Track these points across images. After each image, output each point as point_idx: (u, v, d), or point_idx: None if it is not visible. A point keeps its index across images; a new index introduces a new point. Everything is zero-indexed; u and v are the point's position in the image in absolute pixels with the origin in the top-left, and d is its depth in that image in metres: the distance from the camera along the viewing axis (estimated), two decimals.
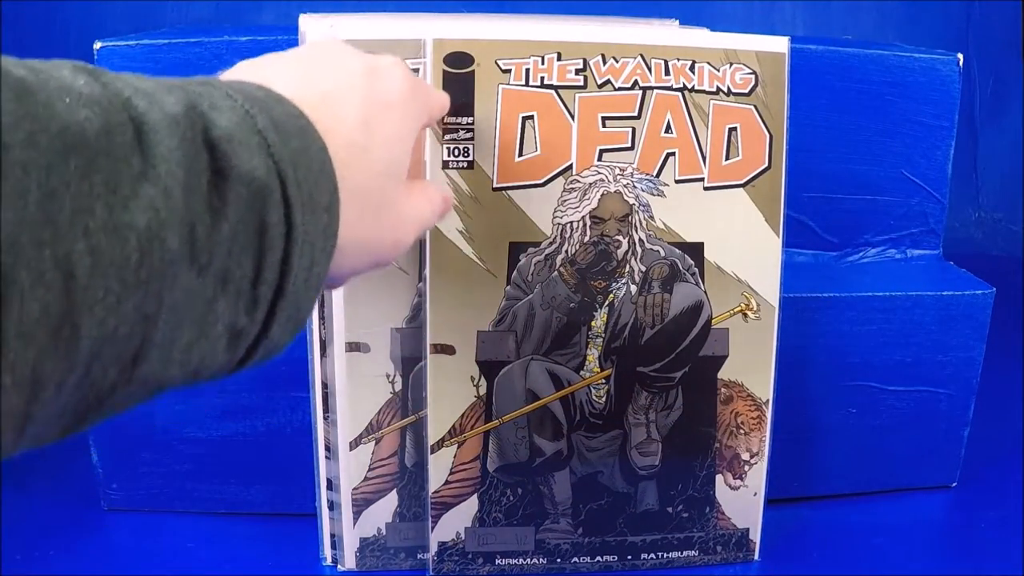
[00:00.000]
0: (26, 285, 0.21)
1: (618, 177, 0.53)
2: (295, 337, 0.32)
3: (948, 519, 0.69)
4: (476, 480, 0.57)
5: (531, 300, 0.55)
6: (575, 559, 0.59)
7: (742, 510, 0.60)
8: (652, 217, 0.54)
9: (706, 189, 0.55)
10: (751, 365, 0.58)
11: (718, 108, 0.54)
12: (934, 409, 0.68)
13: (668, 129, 0.53)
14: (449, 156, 0.51)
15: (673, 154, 0.54)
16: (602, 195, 0.54)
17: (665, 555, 0.60)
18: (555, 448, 0.57)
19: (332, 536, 0.59)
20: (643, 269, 0.55)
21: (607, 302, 0.55)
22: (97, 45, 0.59)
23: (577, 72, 0.52)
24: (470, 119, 0.51)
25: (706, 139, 0.54)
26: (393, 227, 0.38)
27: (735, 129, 0.54)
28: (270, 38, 0.60)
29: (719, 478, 0.59)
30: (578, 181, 0.53)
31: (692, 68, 0.53)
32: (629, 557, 0.60)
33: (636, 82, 0.53)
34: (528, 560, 0.59)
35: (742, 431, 0.59)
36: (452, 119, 0.51)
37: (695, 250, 0.56)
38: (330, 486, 0.58)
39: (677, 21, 0.63)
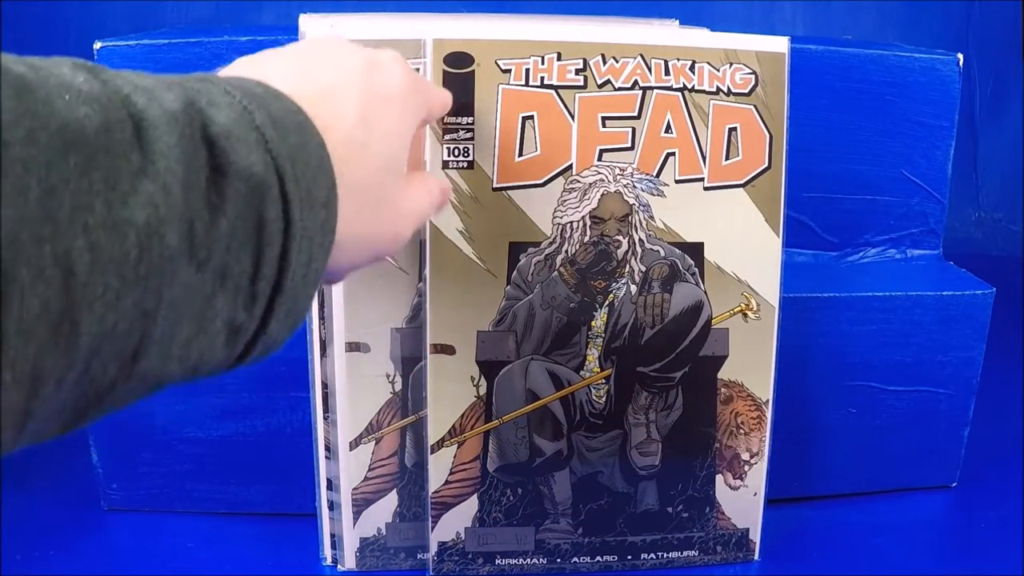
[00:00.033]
0: (26, 282, 0.21)
1: (618, 177, 0.54)
2: (293, 333, 0.32)
3: (948, 519, 0.69)
4: (476, 480, 0.57)
5: (531, 300, 0.55)
6: (575, 559, 0.59)
7: (742, 510, 0.60)
8: (652, 217, 0.55)
9: (706, 189, 0.55)
10: (751, 365, 0.58)
11: (718, 108, 0.54)
12: (934, 409, 0.68)
13: (668, 129, 0.53)
14: (449, 156, 0.51)
15: (673, 154, 0.54)
16: (602, 195, 0.54)
17: (665, 555, 0.60)
18: (555, 448, 0.57)
19: (332, 536, 0.59)
20: (643, 269, 0.55)
21: (607, 302, 0.55)
22: (97, 45, 0.59)
23: (577, 72, 0.52)
24: (470, 119, 0.51)
25: (706, 139, 0.54)
26: (392, 221, 0.38)
27: (735, 129, 0.54)
28: (270, 38, 0.60)
29: (719, 478, 0.59)
30: (578, 181, 0.53)
31: (692, 68, 0.53)
32: (629, 557, 0.60)
33: (636, 82, 0.53)
34: (528, 560, 0.59)
35: (742, 431, 0.59)
36: (452, 119, 0.51)
37: (695, 250, 0.56)
38: (330, 486, 0.58)
39: (677, 21, 0.63)
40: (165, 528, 0.64)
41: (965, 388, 0.68)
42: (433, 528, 0.58)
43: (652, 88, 0.53)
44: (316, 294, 0.54)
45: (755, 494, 0.60)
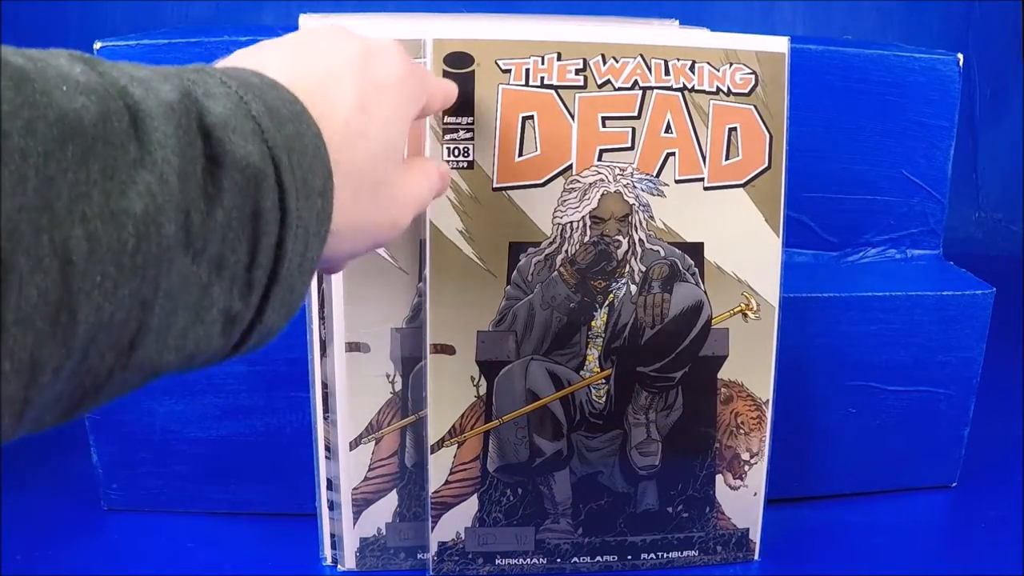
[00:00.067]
0: (24, 271, 0.21)
1: (618, 177, 0.54)
2: (289, 321, 0.32)
3: (948, 519, 0.69)
4: (476, 480, 0.57)
5: (531, 300, 0.55)
6: (575, 559, 0.59)
7: (742, 510, 0.60)
8: (652, 217, 0.55)
9: (706, 189, 0.55)
10: (751, 365, 0.58)
11: (718, 108, 0.54)
12: (934, 409, 0.68)
13: (668, 129, 0.53)
14: (449, 156, 0.51)
15: (673, 154, 0.54)
16: (602, 195, 0.54)
17: (665, 555, 0.60)
18: (555, 448, 0.57)
19: (332, 536, 0.59)
20: (643, 269, 0.55)
21: (607, 302, 0.55)
22: (97, 45, 0.60)
23: (577, 72, 0.52)
24: (470, 119, 0.51)
25: (706, 139, 0.54)
26: (390, 209, 0.38)
27: (735, 129, 0.54)
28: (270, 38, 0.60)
29: (719, 478, 0.59)
30: (578, 181, 0.53)
31: (692, 68, 0.53)
32: (629, 557, 0.60)
33: (636, 82, 0.53)
34: (528, 560, 0.59)
35: (742, 431, 0.59)
36: (452, 119, 0.51)
37: (695, 250, 0.56)
38: (330, 486, 0.58)
39: (677, 21, 0.63)
40: (165, 528, 0.64)
41: (965, 388, 0.68)
42: (433, 528, 0.58)
43: (652, 88, 0.53)
44: (316, 295, 0.54)
45: (755, 494, 0.60)
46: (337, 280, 0.54)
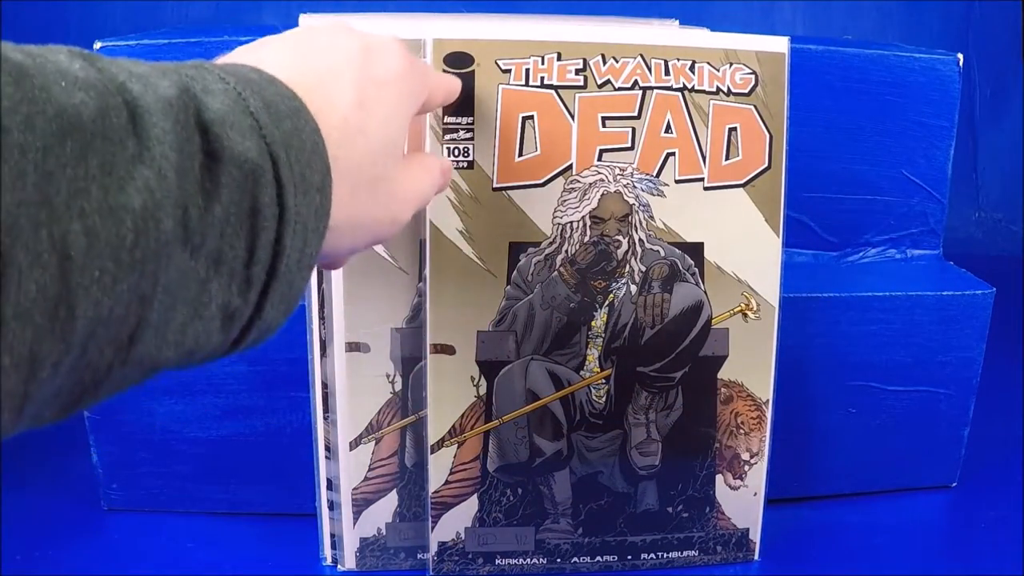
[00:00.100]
0: (23, 265, 0.21)
1: (618, 177, 0.54)
2: (288, 317, 0.32)
3: (948, 519, 0.69)
4: (476, 480, 0.57)
5: (531, 300, 0.55)
6: (575, 559, 0.59)
7: (742, 510, 0.60)
8: (652, 217, 0.55)
9: (706, 189, 0.55)
10: (751, 365, 0.58)
11: (718, 108, 0.54)
12: (934, 409, 0.68)
13: (668, 129, 0.53)
14: (449, 156, 0.51)
15: (673, 154, 0.54)
16: (602, 195, 0.54)
17: (665, 555, 0.60)
18: (555, 448, 0.57)
19: (332, 536, 0.59)
20: (643, 269, 0.55)
21: (607, 302, 0.55)
22: (97, 45, 0.60)
23: (577, 72, 0.52)
24: (470, 119, 0.51)
25: (706, 139, 0.54)
26: (389, 205, 0.38)
27: (735, 129, 0.54)
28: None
29: (719, 478, 0.59)
30: (578, 181, 0.53)
31: (692, 68, 0.53)
32: (629, 557, 0.60)
33: (636, 82, 0.53)
34: (528, 560, 0.59)
35: (742, 431, 0.59)
36: (452, 119, 0.51)
37: (695, 250, 0.56)
38: (330, 486, 0.58)
39: (677, 21, 0.63)
40: (165, 528, 0.64)
41: (965, 388, 0.68)
42: (433, 528, 0.58)
43: (652, 88, 0.53)
44: (316, 295, 0.54)
45: (755, 494, 0.60)
46: (337, 280, 0.54)
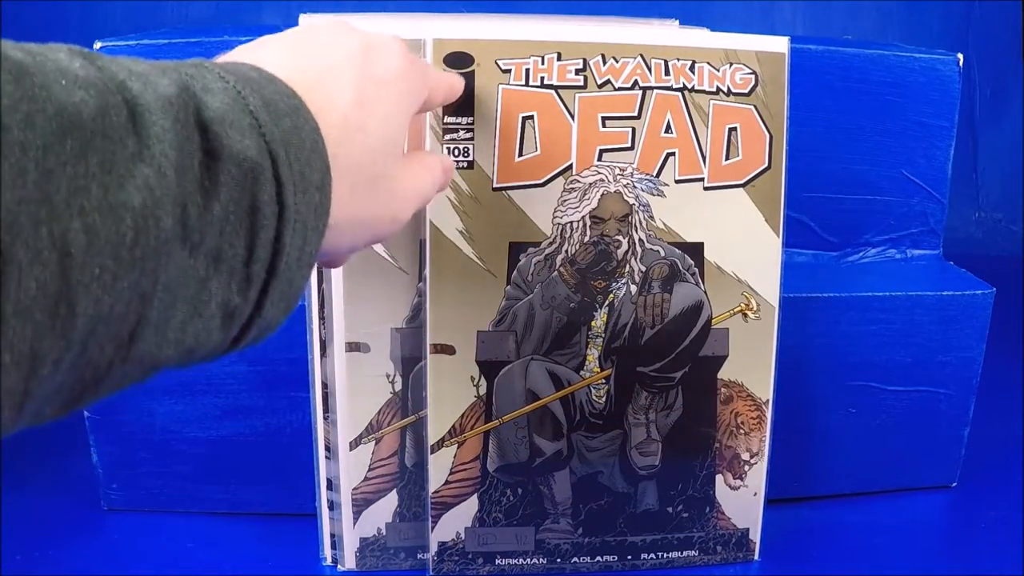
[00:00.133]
0: (24, 263, 0.21)
1: (618, 177, 0.54)
2: (288, 315, 0.32)
3: (948, 519, 0.69)
4: (476, 480, 0.57)
5: (531, 300, 0.55)
6: (575, 559, 0.59)
7: (742, 510, 0.60)
8: (652, 217, 0.55)
9: (706, 189, 0.55)
10: (751, 365, 0.58)
11: (718, 108, 0.54)
12: (934, 409, 0.68)
13: (668, 129, 0.53)
14: (449, 156, 0.51)
15: (673, 154, 0.54)
16: (602, 195, 0.54)
17: (665, 555, 0.60)
18: (555, 448, 0.57)
19: (332, 536, 0.59)
20: (643, 269, 0.55)
21: (607, 302, 0.55)
22: (97, 45, 0.60)
23: (577, 72, 0.52)
24: (470, 119, 0.51)
25: (706, 139, 0.54)
26: (389, 203, 0.38)
27: (735, 129, 0.54)
28: None
29: (719, 478, 0.59)
30: (578, 181, 0.53)
31: (692, 68, 0.53)
32: (629, 557, 0.60)
33: (636, 82, 0.53)
34: (528, 560, 0.59)
35: (742, 431, 0.59)
36: (452, 119, 0.51)
37: (695, 250, 0.56)
38: (330, 486, 0.58)
39: (677, 21, 0.63)
40: (165, 528, 0.64)
41: (965, 388, 0.68)
42: (433, 528, 0.58)
43: (652, 88, 0.53)
44: (316, 295, 0.54)
45: (755, 494, 0.60)
46: (337, 280, 0.54)
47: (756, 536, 0.61)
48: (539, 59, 0.51)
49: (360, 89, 0.35)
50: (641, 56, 0.52)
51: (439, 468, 0.57)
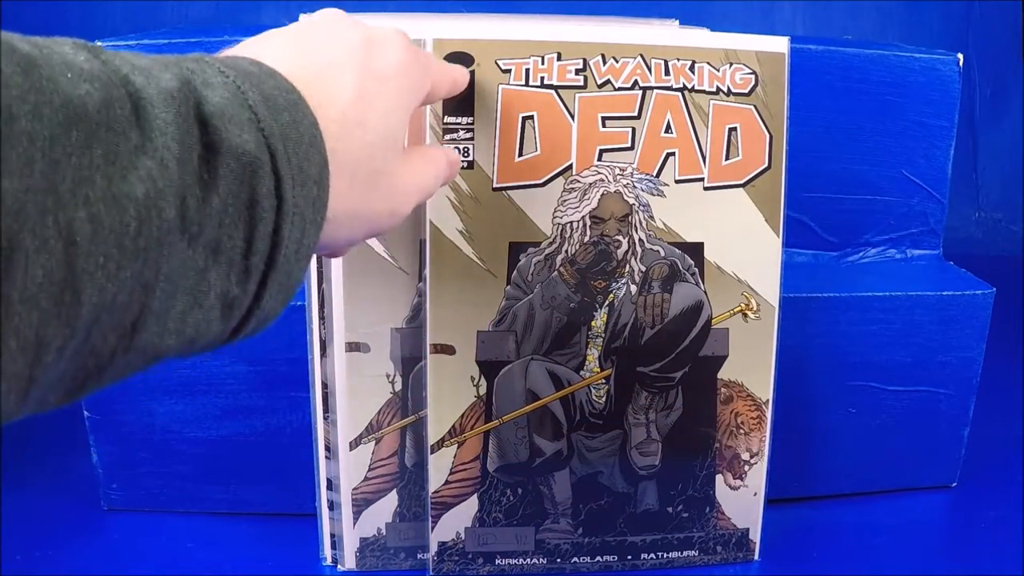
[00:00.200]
0: (30, 251, 0.22)
1: (618, 177, 0.54)
2: (285, 307, 0.33)
3: (948, 519, 0.69)
4: (476, 480, 0.57)
5: (531, 300, 0.55)
6: (575, 559, 0.59)
7: (742, 510, 0.60)
8: (652, 217, 0.55)
9: (706, 189, 0.55)
10: (751, 365, 0.58)
11: (718, 108, 0.54)
12: (934, 409, 0.68)
13: (668, 129, 0.53)
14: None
15: (673, 154, 0.54)
16: (602, 195, 0.54)
17: (665, 555, 0.60)
18: (555, 448, 0.57)
19: (332, 536, 0.59)
20: (643, 269, 0.55)
21: (607, 302, 0.55)
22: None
23: (577, 72, 0.52)
24: (470, 119, 0.51)
25: (706, 139, 0.54)
26: (388, 197, 0.38)
27: (735, 129, 0.54)
28: None
29: (719, 478, 0.59)
30: (578, 181, 0.53)
31: (692, 68, 0.53)
32: (629, 557, 0.60)
33: (636, 82, 0.53)
34: (528, 560, 0.59)
35: (742, 431, 0.59)
36: (452, 119, 0.51)
37: (695, 250, 0.56)
38: (330, 486, 0.58)
39: (677, 21, 0.63)
40: (165, 528, 0.64)
41: (965, 388, 0.68)
42: (433, 528, 0.58)
43: (652, 88, 0.53)
44: (316, 295, 0.54)
45: (755, 494, 0.60)
46: (337, 280, 0.54)
47: (756, 536, 0.61)
48: (539, 59, 0.51)
49: (360, 84, 0.35)
50: (641, 56, 0.52)
51: (439, 468, 0.57)
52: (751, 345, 0.57)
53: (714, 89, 0.53)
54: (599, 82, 0.52)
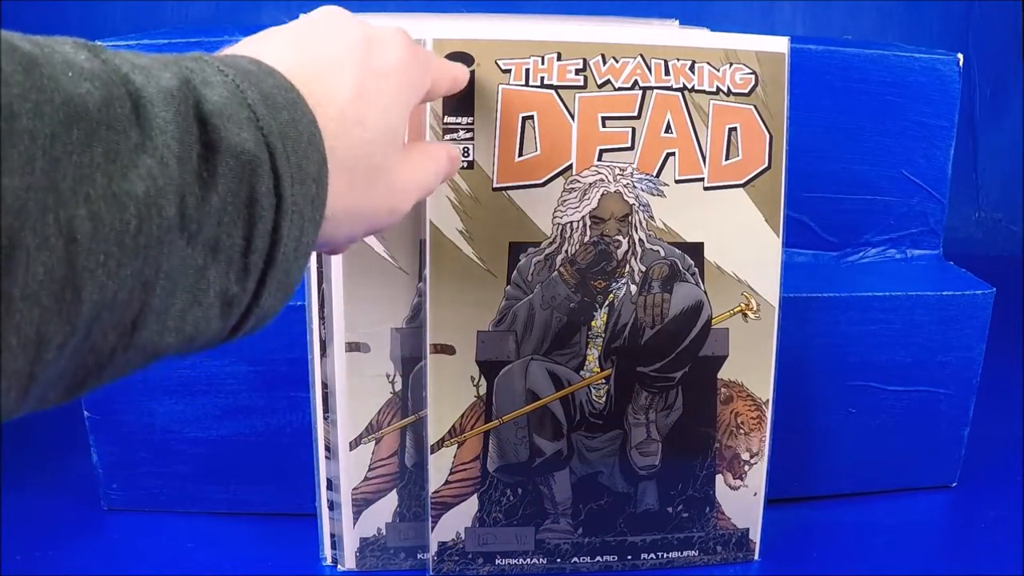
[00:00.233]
0: (31, 248, 0.22)
1: (618, 177, 0.54)
2: (285, 305, 0.33)
3: (948, 519, 0.69)
4: (476, 480, 0.57)
5: (531, 300, 0.55)
6: (575, 559, 0.59)
7: (742, 510, 0.60)
8: (652, 217, 0.54)
9: (706, 189, 0.55)
10: (751, 365, 0.58)
11: (718, 108, 0.54)
12: (934, 409, 0.68)
13: (668, 129, 0.53)
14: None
15: (673, 154, 0.54)
16: (602, 195, 0.54)
17: (665, 555, 0.60)
18: (555, 448, 0.57)
19: (332, 536, 0.59)
20: (643, 269, 0.55)
21: (607, 302, 0.55)
22: None
23: (577, 72, 0.52)
24: (470, 119, 0.51)
25: (706, 139, 0.54)
26: (387, 195, 0.38)
27: (735, 129, 0.54)
28: None
29: (719, 478, 0.59)
30: (578, 181, 0.53)
31: (692, 68, 0.53)
32: (629, 557, 0.60)
33: (636, 82, 0.53)
34: (528, 560, 0.59)
35: (742, 431, 0.59)
36: (452, 119, 0.51)
37: (695, 250, 0.56)
38: (330, 486, 0.58)
39: (677, 21, 0.63)
40: (165, 528, 0.64)
41: (965, 388, 0.68)
42: (433, 528, 0.58)
43: (652, 88, 0.53)
44: (316, 295, 0.54)
45: (755, 494, 0.60)
46: (337, 280, 0.54)
47: (756, 536, 0.61)
48: (539, 59, 0.51)
49: (360, 82, 0.35)
50: (641, 56, 0.52)
51: (439, 468, 0.57)
52: (751, 345, 0.57)
53: (714, 89, 0.53)
54: (599, 82, 0.52)
